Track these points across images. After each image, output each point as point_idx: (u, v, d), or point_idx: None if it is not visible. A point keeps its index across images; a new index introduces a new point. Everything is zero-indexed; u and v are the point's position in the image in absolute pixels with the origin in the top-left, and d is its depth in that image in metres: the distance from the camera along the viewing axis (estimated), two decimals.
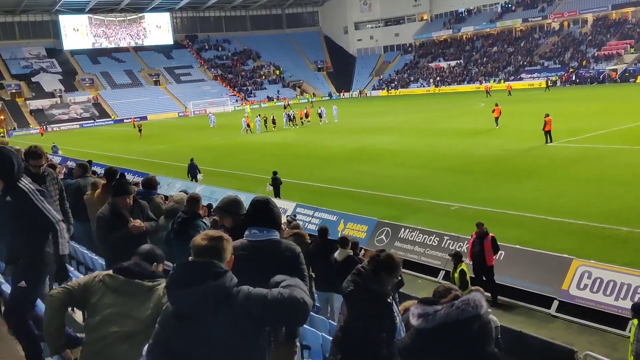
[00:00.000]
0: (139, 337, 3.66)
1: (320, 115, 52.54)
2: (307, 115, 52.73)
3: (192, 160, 26.98)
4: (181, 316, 3.08)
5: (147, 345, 3.21)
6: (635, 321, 7.87)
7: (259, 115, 52.72)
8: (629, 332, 10.27)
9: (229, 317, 3.04)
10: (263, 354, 3.27)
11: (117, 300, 3.92)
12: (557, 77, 75.99)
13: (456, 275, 11.25)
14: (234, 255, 3.69)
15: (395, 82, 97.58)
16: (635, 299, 10.61)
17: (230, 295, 3.06)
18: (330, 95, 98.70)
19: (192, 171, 26.59)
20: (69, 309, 4.40)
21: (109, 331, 3.83)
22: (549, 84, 70.57)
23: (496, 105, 37.55)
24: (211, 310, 3.03)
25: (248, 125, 49.44)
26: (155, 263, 4.37)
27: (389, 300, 4.11)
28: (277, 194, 21.30)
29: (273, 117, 51.31)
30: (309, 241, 9.36)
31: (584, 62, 77.67)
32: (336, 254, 8.97)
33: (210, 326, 3.05)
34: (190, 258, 3.20)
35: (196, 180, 25.70)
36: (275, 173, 21.93)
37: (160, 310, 3.53)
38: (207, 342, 3.06)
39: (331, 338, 6.57)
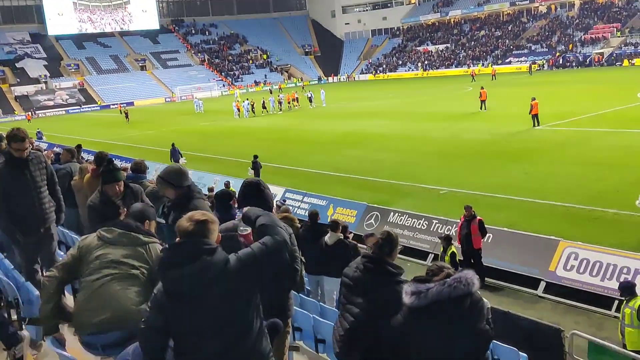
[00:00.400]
0: (132, 282, 3.71)
1: (310, 100, 52.50)
2: (295, 100, 52.61)
3: (173, 145, 27.15)
4: (177, 296, 3.09)
5: (140, 330, 3.21)
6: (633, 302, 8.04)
7: (247, 99, 52.50)
8: (616, 311, 10.48)
9: (226, 288, 3.09)
10: (259, 309, 3.33)
11: (113, 250, 4.06)
12: (543, 61, 76.23)
13: (447, 258, 11.38)
14: (225, 236, 3.76)
15: (384, 66, 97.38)
16: (621, 280, 10.78)
17: (226, 267, 3.10)
18: (319, 79, 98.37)
19: (175, 156, 26.70)
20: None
21: (104, 273, 3.96)
22: (532, 68, 71.07)
23: (482, 88, 38.18)
24: (208, 286, 3.06)
25: (239, 110, 49.29)
26: (147, 220, 4.45)
27: (399, 278, 4.08)
28: (256, 175, 21.70)
29: (263, 101, 51.14)
30: (299, 225, 9.40)
31: (570, 46, 77.89)
32: (327, 238, 9.01)
33: (208, 301, 3.08)
34: (177, 240, 3.22)
35: None
36: (255, 157, 22.58)
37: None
38: (206, 315, 3.09)
39: (322, 320, 6.65)
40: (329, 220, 9.61)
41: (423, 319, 3.40)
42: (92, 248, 4.11)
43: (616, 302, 10.61)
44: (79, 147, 12.80)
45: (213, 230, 3.24)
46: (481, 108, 36.93)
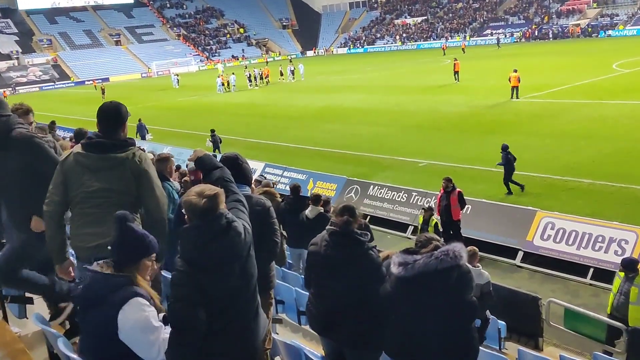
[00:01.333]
0: (124, 206, 3.69)
1: (292, 72, 52.52)
2: (267, 76, 52.22)
3: (140, 120, 27.07)
4: (210, 269, 3.14)
5: (176, 309, 3.13)
6: (622, 274, 8.12)
7: (233, 73, 52.00)
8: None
9: (248, 252, 3.31)
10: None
11: (96, 177, 4.01)
12: (520, 33, 76.43)
13: (430, 229, 11.54)
14: None
15: (362, 40, 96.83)
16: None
17: (245, 233, 3.27)
18: (301, 53, 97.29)
19: (141, 131, 26.74)
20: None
21: (94, 203, 3.99)
22: (499, 42, 71.17)
23: (455, 60, 39.26)
24: (237, 255, 3.20)
25: (223, 84, 48.97)
26: (122, 124, 4.26)
27: (370, 244, 4.08)
28: (216, 150, 22.71)
29: (249, 74, 51.03)
30: (280, 199, 9.43)
31: (546, 18, 78.11)
32: (307, 211, 9.05)
33: (236, 268, 3.22)
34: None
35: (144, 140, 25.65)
36: (212, 131, 23.58)
37: (136, 171, 3.90)
38: (234, 280, 3.22)
39: (305, 292, 6.71)
40: (309, 194, 9.62)
41: (410, 289, 3.45)
42: (73, 174, 4.05)
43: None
44: (52, 123, 12.58)
45: (223, 200, 3.26)
46: (455, 79, 37.57)
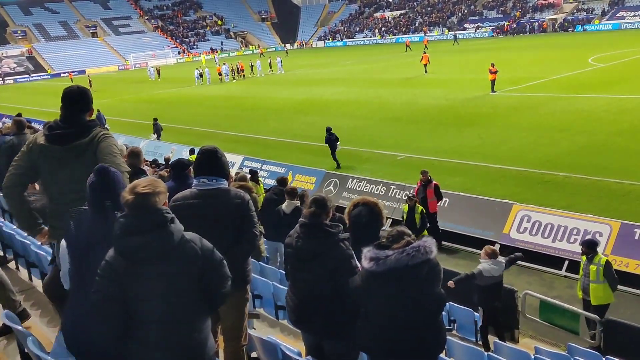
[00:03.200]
0: None
1: (270, 65, 53.12)
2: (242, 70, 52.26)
3: (98, 111, 27.64)
4: (135, 262, 3.02)
5: (94, 304, 3.07)
6: (584, 258, 8.37)
7: (225, 63, 52.72)
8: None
9: (180, 260, 3.05)
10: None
11: (64, 167, 4.02)
12: (507, 25, 76.86)
13: (417, 216, 11.59)
14: (184, 204, 3.90)
15: (341, 33, 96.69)
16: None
17: (182, 238, 3.09)
18: (285, 48, 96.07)
19: (101, 121, 26.95)
20: None
21: (70, 197, 3.99)
22: (456, 38, 70.61)
23: (424, 53, 41.64)
24: (166, 255, 3.03)
25: (220, 74, 49.86)
26: (88, 110, 4.23)
27: (340, 236, 4.06)
28: (158, 138, 24.48)
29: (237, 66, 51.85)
30: (256, 194, 9.41)
31: (517, 14, 78.56)
32: (284, 206, 9.03)
33: (164, 269, 3.03)
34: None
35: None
36: (155, 119, 24.94)
37: (101, 148, 3.90)
38: (159, 285, 3.03)
39: (282, 287, 6.69)
40: (285, 188, 9.61)
41: (381, 283, 3.47)
42: (37, 156, 4.06)
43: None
44: (19, 115, 12.18)
45: (164, 199, 3.18)
46: (425, 72, 39.21)
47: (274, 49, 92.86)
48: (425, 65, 39.42)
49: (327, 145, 18.65)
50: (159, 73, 57.63)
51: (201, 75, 49.36)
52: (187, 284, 3.07)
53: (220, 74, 50.39)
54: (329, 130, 18.58)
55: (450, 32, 76.95)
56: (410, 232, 3.64)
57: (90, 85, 51.05)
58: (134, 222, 3.03)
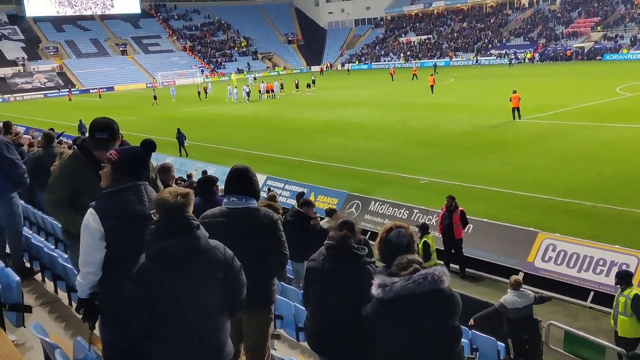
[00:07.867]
0: None
1: (308, 86, 54.30)
2: (272, 90, 52.72)
3: (80, 121, 29.83)
4: (164, 267, 3.20)
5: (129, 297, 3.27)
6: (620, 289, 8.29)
7: (246, 85, 53.70)
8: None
9: (206, 264, 3.27)
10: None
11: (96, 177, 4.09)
12: (525, 54, 76.71)
13: (420, 246, 11.34)
14: (213, 222, 3.99)
15: (366, 56, 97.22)
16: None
17: (209, 243, 3.31)
18: (321, 71, 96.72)
19: (81, 131, 29.34)
20: None
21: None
22: (435, 68, 66.41)
23: (431, 75, 46.12)
24: (194, 258, 3.23)
25: (248, 94, 50.19)
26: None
27: (367, 259, 4.02)
28: (181, 148, 26.42)
29: (266, 85, 52.92)
30: (281, 213, 9.42)
31: (540, 44, 78.32)
32: (323, 223, 9.08)
33: (190, 272, 3.22)
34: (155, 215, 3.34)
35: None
36: (179, 130, 26.76)
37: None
38: (189, 288, 3.22)
39: (304, 308, 6.65)
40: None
41: (390, 311, 3.37)
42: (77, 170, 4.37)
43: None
44: (51, 130, 12.26)
45: (192, 210, 3.36)
46: (432, 92, 42.47)
47: (299, 70, 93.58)
48: (431, 86, 42.99)
49: (177, 140, 25.44)
50: (206, 92, 56.12)
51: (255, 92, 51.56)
52: (211, 288, 3.28)
53: (260, 92, 52.20)
54: (179, 131, 25.81)
55: (506, 57, 76.71)
56: (420, 260, 3.55)
57: (155, 98, 53.77)
58: (166, 226, 3.21)
